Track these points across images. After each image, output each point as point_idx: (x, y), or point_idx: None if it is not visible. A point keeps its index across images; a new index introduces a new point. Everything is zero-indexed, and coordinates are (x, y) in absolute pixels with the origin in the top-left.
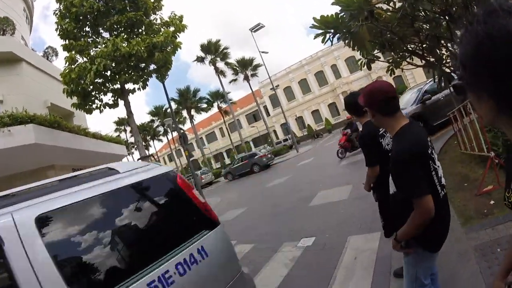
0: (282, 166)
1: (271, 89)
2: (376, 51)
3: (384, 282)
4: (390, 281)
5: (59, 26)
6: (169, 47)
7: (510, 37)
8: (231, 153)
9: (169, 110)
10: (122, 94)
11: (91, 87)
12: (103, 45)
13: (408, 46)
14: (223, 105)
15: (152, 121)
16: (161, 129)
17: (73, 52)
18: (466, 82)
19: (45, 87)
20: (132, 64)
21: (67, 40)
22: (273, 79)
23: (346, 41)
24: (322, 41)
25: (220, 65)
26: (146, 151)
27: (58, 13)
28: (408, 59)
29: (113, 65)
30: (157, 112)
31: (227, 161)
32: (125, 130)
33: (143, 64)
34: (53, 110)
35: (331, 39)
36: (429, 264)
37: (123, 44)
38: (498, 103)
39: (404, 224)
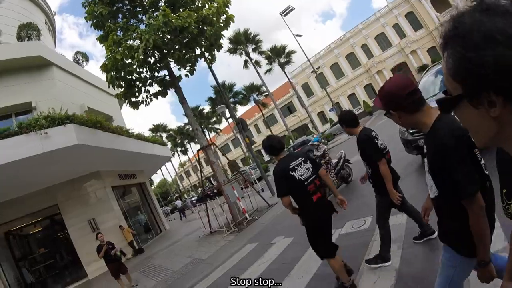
0: (338, 149)
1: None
2: None
3: None
4: None
5: (92, 14)
6: (221, 21)
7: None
8: None
9: (204, 110)
10: (171, 81)
11: (137, 76)
12: (151, 20)
13: None
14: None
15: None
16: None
17: (114, 35)
18: (462, 94)
19: (80, 92)
20: (180, 43)
21: (102, 30)
22: (304, 66)
23: None
24: None
25: (253, 56)
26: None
27: (87, 4)
28: None
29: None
30: (193, 113)
31: (266, 157)
32: (161, 137)
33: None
34: (90, 115)
35: None
36: (470, 268)
37: (175, 16)
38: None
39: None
